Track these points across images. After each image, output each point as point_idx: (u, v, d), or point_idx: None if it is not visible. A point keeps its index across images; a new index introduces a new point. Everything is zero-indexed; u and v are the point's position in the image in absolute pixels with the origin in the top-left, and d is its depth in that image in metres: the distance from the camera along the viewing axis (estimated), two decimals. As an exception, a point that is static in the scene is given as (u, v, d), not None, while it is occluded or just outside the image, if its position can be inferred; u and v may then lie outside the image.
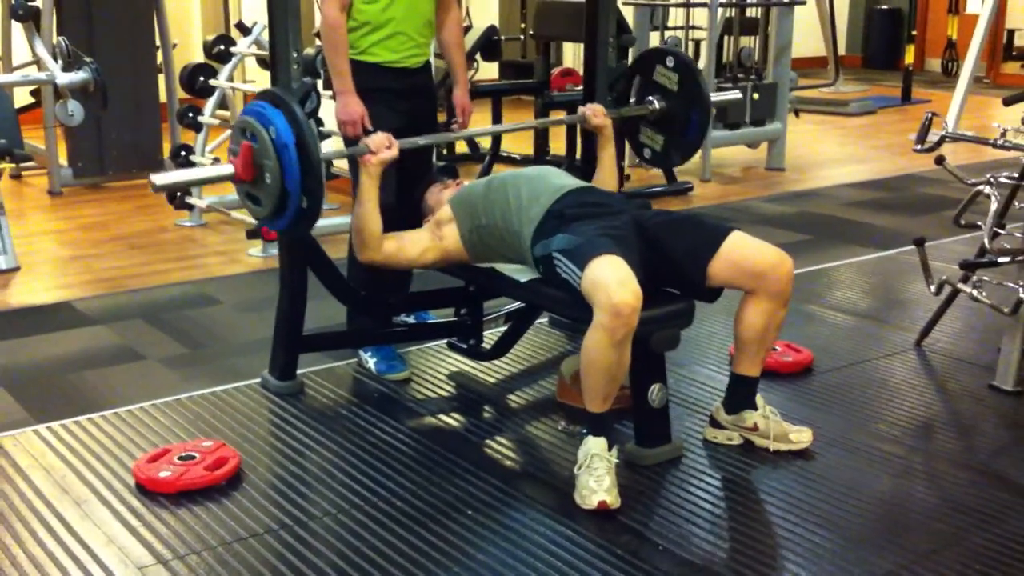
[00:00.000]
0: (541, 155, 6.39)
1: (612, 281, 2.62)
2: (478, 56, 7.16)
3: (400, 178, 3.37)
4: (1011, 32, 11.82)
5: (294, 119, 2.80)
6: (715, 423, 3.11)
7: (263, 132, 2.81)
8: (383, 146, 2.99)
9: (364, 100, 3.39)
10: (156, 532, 2.61)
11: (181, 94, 6.27)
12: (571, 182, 3.11)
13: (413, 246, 3.15)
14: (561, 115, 6.20)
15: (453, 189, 3.32)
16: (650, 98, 3.57)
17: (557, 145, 6.69)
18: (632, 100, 3.66)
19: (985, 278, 3.60)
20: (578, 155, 5.10)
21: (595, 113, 3.43)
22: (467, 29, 7.46)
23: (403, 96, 3.52)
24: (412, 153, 3.52)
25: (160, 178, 2.89)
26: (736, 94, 4.42)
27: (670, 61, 3.51)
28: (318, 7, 3.38)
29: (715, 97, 3.83)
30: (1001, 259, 3.46)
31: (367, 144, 3.00)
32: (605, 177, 3.43)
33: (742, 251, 2.91)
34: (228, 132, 6.21)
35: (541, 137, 6.84)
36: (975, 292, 3.59)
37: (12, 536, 2.59)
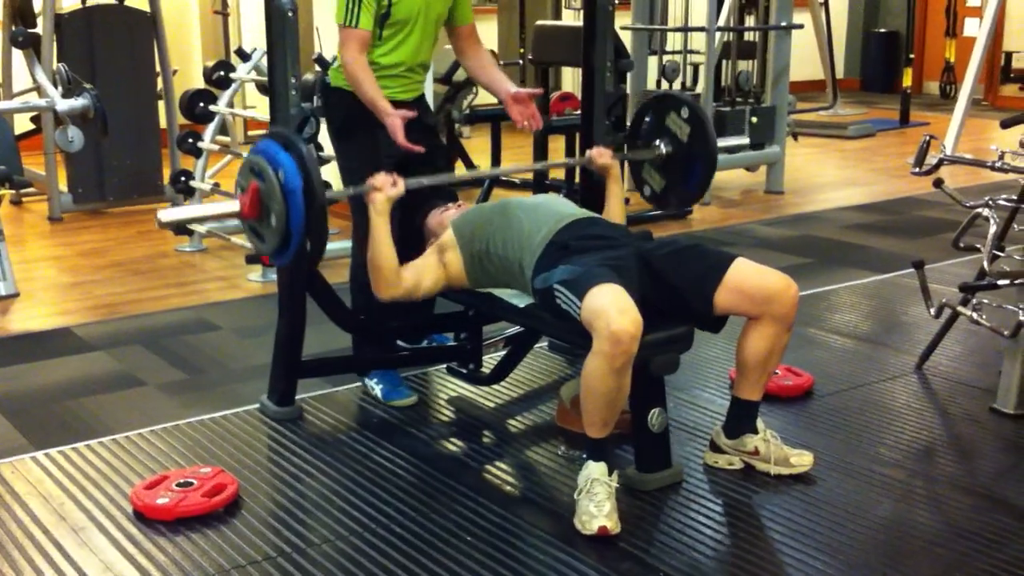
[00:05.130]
0: (541, 180, 6.40)
1: (612, 309, 2.61)
2: (477, 81, 7.18)
3: (400, 203, 3.36)
4: (1008, 55, 11.86)
5: (303, 164, 2.79)
6: (715, 447, 3.10)
7: (271, 175, 2.80)
8: (388, 184, 2.99)
9: (366, 131, 3.38)
10: (154, 559, 2.59)
11: (181, 120, 6.28)
12: (574, 211, 3.11)
13: (428, 276, 3.14)
14: (560, 142, 6.22)
15: (454, 211, 3.32)
16: (658, 142, 3.52)
17: (556, 170, 6.70)
18: (639, 141, 3.63)
19: (985, 301, 3.60)
20: (577, 180, 5.12)
21: (601, 154, 3.43)
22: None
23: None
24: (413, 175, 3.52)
25: (166, 214, 2.91)
26: (743, 139, 4.35)
27: (685, 112, 3.43)
28: (339, 55, 3.36)
29: (722, 143, 3.77)
30: (1001, 282, 3.46)
31: (372, 184, 3.00)
32: (612, 216, 3.41)
33: (747, 278, 2.91)
34: (227, 158, 6.23)
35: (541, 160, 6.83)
36: (975, 315, 3.58)
37: (10, 564, 2.58)
